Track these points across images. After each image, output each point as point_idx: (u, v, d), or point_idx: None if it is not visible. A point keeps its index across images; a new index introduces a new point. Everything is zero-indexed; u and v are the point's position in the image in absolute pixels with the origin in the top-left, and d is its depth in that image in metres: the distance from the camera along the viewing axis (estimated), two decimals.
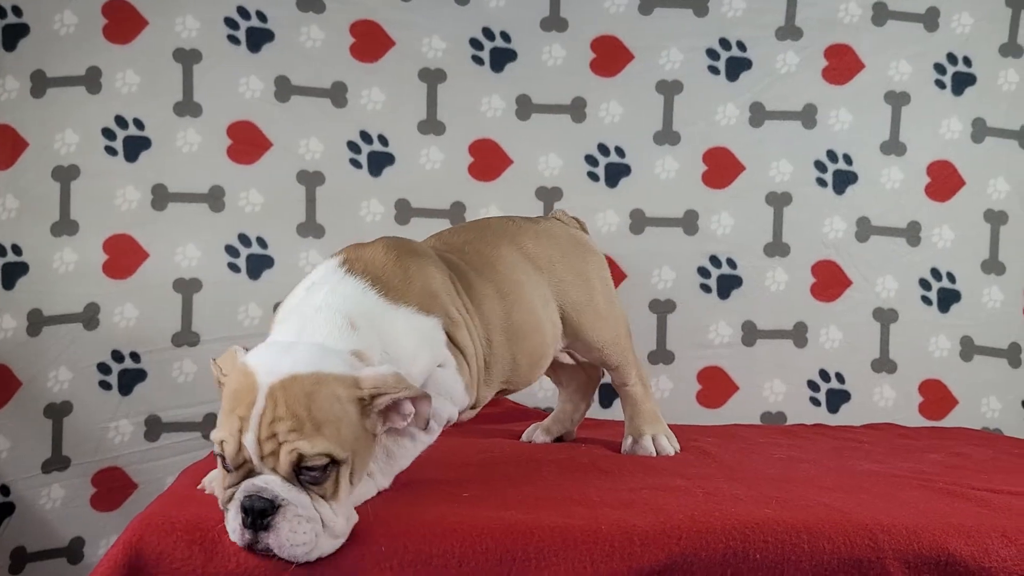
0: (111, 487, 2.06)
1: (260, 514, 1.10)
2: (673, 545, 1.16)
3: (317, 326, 1.23)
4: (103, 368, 2.07)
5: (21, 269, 2.03)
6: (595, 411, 2.19)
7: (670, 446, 1.67)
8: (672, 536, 1.17)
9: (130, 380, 2.08)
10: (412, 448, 1.32)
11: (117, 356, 2.07)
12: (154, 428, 2.09)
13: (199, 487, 1.31)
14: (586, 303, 1.63)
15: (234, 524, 1.12)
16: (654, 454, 1.65)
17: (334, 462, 1.13)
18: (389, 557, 1.13)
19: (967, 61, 2.28)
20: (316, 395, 1.13)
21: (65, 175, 2.06)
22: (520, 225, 1.66)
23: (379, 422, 1.19)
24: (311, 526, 1.11)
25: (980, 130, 2.28)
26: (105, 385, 2.07)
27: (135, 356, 2.08)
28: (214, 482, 1.28)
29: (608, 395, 2.21)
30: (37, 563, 2.01)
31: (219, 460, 1.16)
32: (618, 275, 2.22)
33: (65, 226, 2.06)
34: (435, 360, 1.35)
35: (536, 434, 1.82)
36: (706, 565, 1.15)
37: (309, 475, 1.12)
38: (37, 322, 2.03)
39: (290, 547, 1.10)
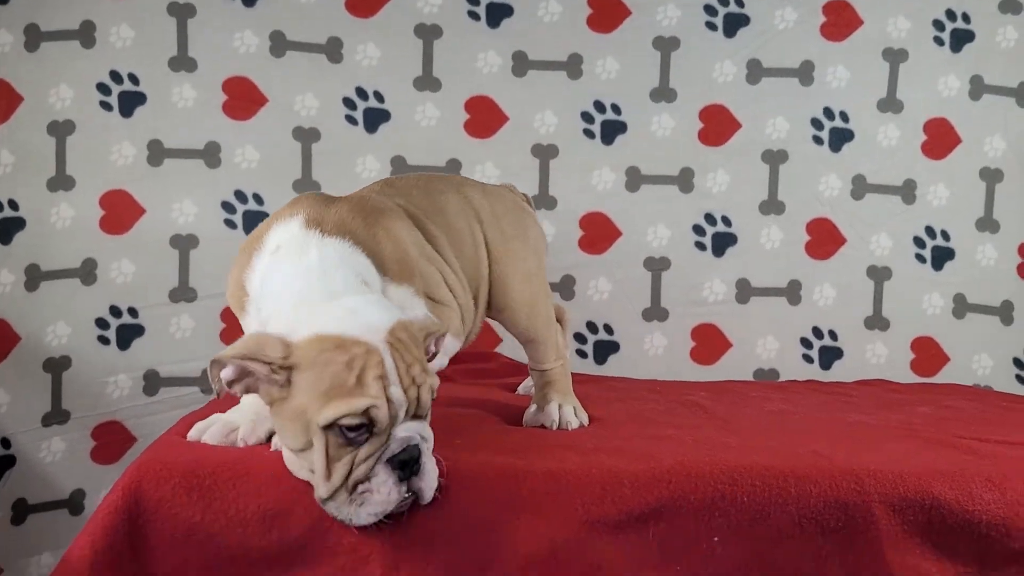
0: (111, 440, 2.08)
1: (415, 461, 1.13)
2: (663, 489, 1.18)
3: (344, 283, 1.23)
4: (101, 323, 2.08)
5: (18, 224, 2.04)
6: (590, 367, 2.22)
7: (575, 418, 1.52)
8: (662, 480, 1.19)
9: (128, 335, 2.09)
10: None
11: (115, 311, 2.09)
12: (152, 383, 2.10)
13: (188, 437, 1.29)
14: (520, 260, 1.58)
15: (386, 488, 1.11)
16: (556, 423, 1.50)
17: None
18: None
19: (966, 18, 2.27)
20: (413, 338, 1.18)
21: (60, 130, 2.06)
22: (466, 179, 1.68)
23: None
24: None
25: (978, 87, 2.28)
26: (103, 340, 2.08)
27: (133, 311, 2.09)
28: (207, 434, 1.29)
29: (602, 352, 2.24)
30: (38, 515, 2.04)
31: (342, 436, 1.10)
32: (613, 232, 2.23)
33: (61, 181, 2.06)
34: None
35: (530, 387, 1.83)
36: (695, 508, 1.18)
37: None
38: (35, 277, 2.04)
39: (431, 486, 1.15)
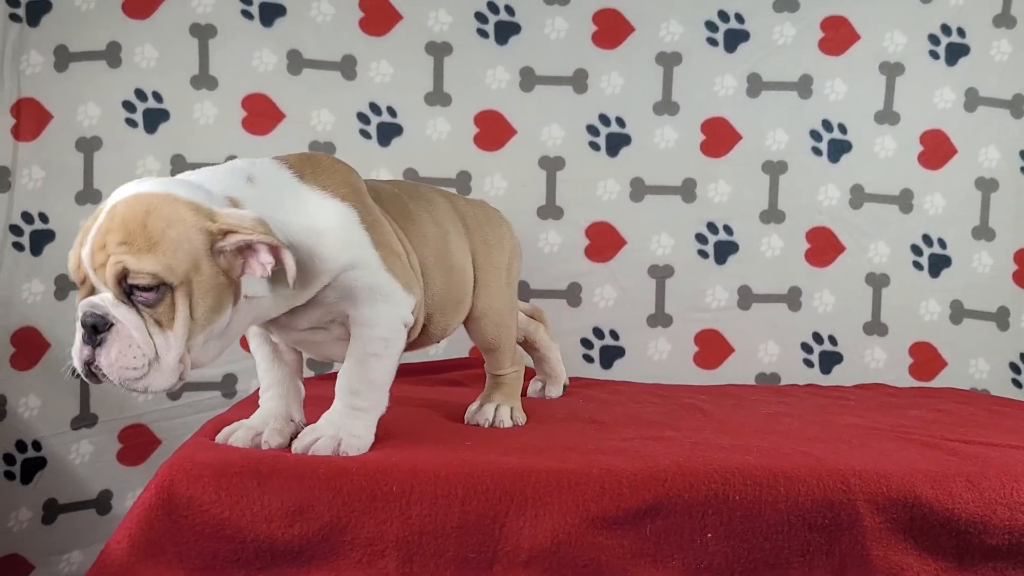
0: (136, 443, 2.17)
1: (93, 329, 1.12)
2: (659, 487, 1.26)
3: (214, 173, 1.25)
4: None
5: (48, 236, 2.13)
6: (595, 371, 2.29)
7: (510, 419, 1.57)
8: (658, 479, 1.26)
9: None
10: (387, 362, 1.36)
11: None
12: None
13: (217, 440, 1.37)
14: (499, 270, 1.64)
15: (77, 342, 1.14)
16: (490, 422, 1.56)
17: (165, 285, 1.12)
18: (399, 496, 1.23)
19: (961, 32, 2.33)
20: (156, 213, 1.13)
21: (88, 146, 2.15)
22: (449, 191, 1.75)
23: (235, 264, 1.18)
24: (142, 352, 1.12)
25: (972, 99, 2.34)
26: None
27: None
28: (232, 437, 1.37)
29: (608, 357, 2.31)
30: (68, 514, 2.13)
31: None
32: (618, 242, 2.31)
33: (89, 195, 2.15)
34: (346, 246, 1.30)
35: (539, 389, 1.92)
36: (689, 505, 1.25)
37: (140, 296, 1.12)
38: (64, 287, 2.13)
39: (120, 369, 1.12)
